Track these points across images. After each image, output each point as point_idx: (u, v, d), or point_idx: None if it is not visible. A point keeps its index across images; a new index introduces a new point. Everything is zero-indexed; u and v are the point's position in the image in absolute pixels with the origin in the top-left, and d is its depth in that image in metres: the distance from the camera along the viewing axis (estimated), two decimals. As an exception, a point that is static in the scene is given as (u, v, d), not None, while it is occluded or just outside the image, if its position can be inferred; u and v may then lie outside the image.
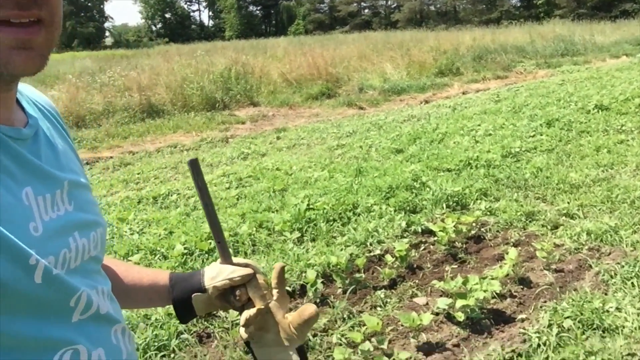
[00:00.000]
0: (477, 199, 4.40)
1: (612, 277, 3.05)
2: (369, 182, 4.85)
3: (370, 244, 3.64)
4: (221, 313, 2.82)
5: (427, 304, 2.97)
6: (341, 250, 3.52)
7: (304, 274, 3.14)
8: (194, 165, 0.88)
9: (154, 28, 67.76)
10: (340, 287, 3.12)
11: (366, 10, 71.33)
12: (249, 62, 13.99)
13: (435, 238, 3.68)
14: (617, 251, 3.40)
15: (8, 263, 0.55)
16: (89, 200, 0.77)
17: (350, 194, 4.56)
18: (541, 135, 6.46)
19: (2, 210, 0.57)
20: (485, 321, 2.72)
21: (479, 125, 7.37)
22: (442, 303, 2.77)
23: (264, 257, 3.50)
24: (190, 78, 11.41)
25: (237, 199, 4.81)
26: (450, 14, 61.40)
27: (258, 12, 73.64)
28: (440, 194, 4.38)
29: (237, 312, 0.95)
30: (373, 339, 2.56)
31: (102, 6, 58.81)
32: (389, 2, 68.65)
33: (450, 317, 2.76)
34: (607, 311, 2.68)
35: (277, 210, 4.32)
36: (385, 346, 2.53)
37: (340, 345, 2.55)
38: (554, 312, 2.71)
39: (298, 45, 20.85)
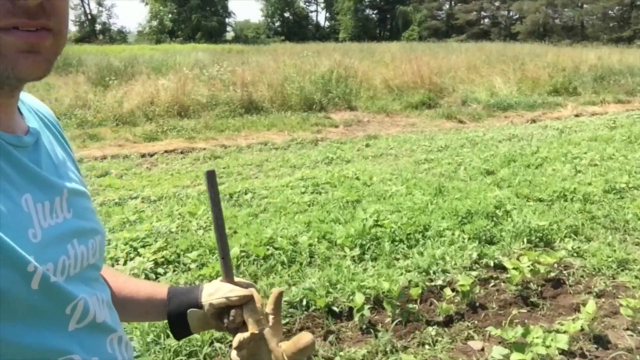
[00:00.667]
0: (565, 237, 3.96)
1: None
2: (447, 203, 4.55)
3: (434, 272, 3.38)
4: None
5: (482, 349, 2.68)
6: (400, 274, 3.31)
7: (354, 296, 2.97)
8: (211, 177, 0.87)
9: (272, 26, 70.21)
10: (390, 317, 2.91)
11: (486, 20, 68.73)
12: (352, 65, 13.95)
13: (508, 276, 3.34)
14: None
15: (6, 269, 0.55)
16: (88, 208, 0.77)
17: (423, 214, 4.30)
18: (656, 172, 5.74)
19: (1, 216, 0.57)
20: (544, 382, 2.40)
21: (585, 153, 6.72)
22: (497, 353, 2.47)
23: (318, 270, 3.38)
24: (292, 77, 11.59)
25: (309, 205, 4.73)
26: (576, 29, 57.19)
27: (374, 15, 73.66)
28: (522, 226, 3.99)
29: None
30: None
31: (226, 2, 61.97)
32: (511, 13, 65.55)
33: (504, 370, 2.46)
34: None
35: (344, 223, 4.18)
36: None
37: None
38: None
39: (408, 51, 20.43)
